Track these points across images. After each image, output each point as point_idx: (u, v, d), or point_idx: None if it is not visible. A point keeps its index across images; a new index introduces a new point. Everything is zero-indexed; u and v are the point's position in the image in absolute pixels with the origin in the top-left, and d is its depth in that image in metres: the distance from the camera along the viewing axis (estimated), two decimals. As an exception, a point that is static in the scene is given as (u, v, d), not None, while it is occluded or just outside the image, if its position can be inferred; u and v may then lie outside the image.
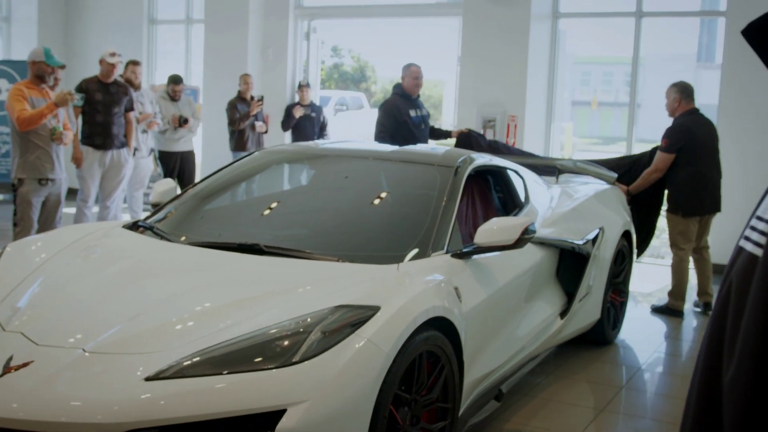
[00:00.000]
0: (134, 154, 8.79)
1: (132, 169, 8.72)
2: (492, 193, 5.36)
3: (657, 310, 7.11)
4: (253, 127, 10.19)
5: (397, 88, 8.14)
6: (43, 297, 3.55)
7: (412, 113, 8.06)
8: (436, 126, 8.70)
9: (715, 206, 6.93)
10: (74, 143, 8.10)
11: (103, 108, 8.16)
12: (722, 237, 8.07)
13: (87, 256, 4.01)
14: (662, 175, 6.84)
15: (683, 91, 6.86)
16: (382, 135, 7.90)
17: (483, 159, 4.97)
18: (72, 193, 9.05)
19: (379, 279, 3.53)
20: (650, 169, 6.87)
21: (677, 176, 6.78)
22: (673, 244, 6.97)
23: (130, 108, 8.42)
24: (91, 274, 3.77)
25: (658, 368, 5.65)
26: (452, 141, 8.41)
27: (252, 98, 10.22)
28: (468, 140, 8.00)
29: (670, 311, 7.02)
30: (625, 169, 7.15)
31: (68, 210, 9.22)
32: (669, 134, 6.80)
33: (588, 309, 5.50)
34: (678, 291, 7.01)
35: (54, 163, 7.16)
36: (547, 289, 5.05)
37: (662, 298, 7.88)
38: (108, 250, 4.12)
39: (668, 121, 6.99)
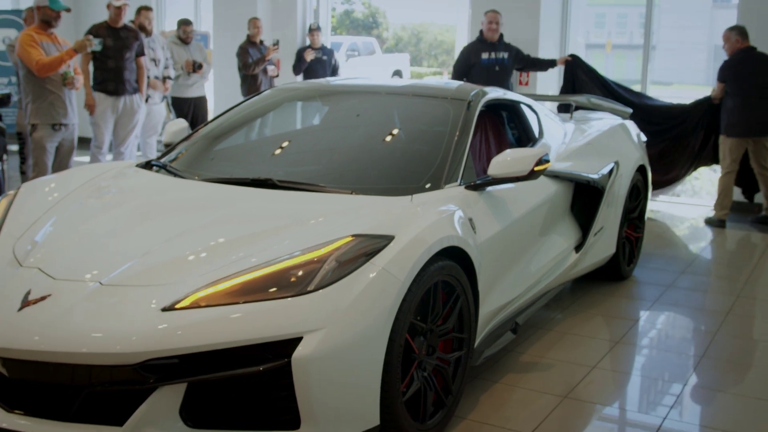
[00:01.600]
0: (147, 101, 8.77)
1: (145, 116, 8.70)
2: (505, 128, 5.32)
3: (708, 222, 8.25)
4: (265, 71, 10.14)
5: (480, 33, 9.08)
6: (59, 234, 3.56)
7: (484, 56, 8.91)
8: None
9: (763, 130, 7.96)
10: (86, 90, 8.10)
11: (114, 53, 8.12)
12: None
13: (101, 195, 4.01)
14: (718, 96, 8.18)
15: (741, 33, 8.10)
16: (453, 76, 9.11)
17: (496, 93, 4.92)
18: (85, 141, 9.06)
19: (392, 210, 3.52)
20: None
21: (726, 103, 8.09)
22: (722, 160, 8.17)
23: (140, 53, 8.38)
24: (106, 211, 3.77)
25: (674, 302, 5.65)
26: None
27: (261, 42, 10.16)
28: (573, 68, 8.95)
29: (716, 221, 8.13)
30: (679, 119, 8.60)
31: (83, 159, 9.25)
32: (720, 67, 8.20)
33: (603, 244, 5.49)
34: (720, 201, 8.14)
35: (67, 107, 7.20)
36: (562, 223, 5.03)
37: (677, 237, 7.89)
38: (122, 188, 4.12)
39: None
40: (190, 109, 9.78)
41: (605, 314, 5.33)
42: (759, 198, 8.41)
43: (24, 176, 7.30)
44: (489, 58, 8.87)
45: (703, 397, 4.14)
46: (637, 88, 9.92)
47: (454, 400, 3.59)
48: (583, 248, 5.15)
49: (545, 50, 9.95)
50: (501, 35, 9.04)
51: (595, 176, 5.16)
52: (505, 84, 8.78)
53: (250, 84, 10.02)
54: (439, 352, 3.49)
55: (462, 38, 12.68)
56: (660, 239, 7.68)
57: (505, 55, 8.94)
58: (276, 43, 10.02)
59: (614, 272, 5.91)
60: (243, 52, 10.03)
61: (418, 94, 4.78)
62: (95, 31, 8.09)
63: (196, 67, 9.53)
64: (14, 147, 10.98)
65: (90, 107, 8.16)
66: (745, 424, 3.83)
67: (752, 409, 3.97)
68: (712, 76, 8.87)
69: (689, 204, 9.55)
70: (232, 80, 10.60)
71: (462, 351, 3.63)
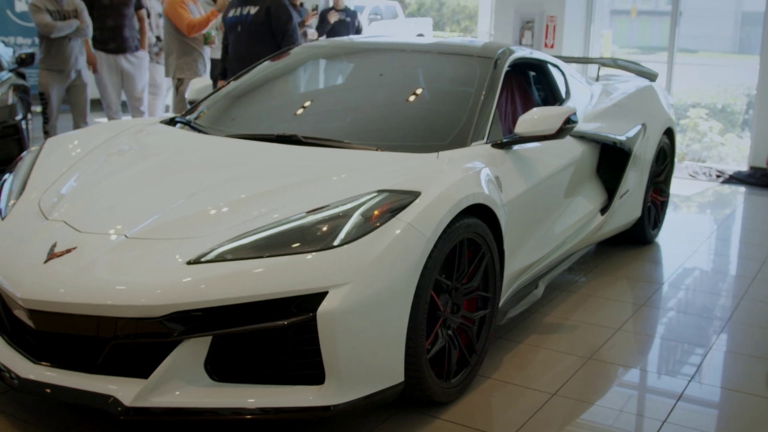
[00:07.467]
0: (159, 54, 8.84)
1: (148, 70, 8.64)
2: (532, 89, 5.26)
3: None
4: (305, 35, 10.09)
5: None
6: (84, 188, 3.55)
7: (231, 12, 6.83)
8: None
9: None
10: (86, 48, 7.97)
11: (113, 11, 8.02)
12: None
13: (125, 150, 4.00)
14: None
15: None
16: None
17: (523, 51, 4.85)
18: (97, 105, 8.99)
19: (419, 166, 3.48)
20: None
21: None
22: None
23: (139, 6, 8.30)
24: (130, 166, 3.76)
25: (699, 266, 5.60)
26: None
27: (302, 4, 10.12)
28: None
29: None
30: None
31: (100, 120, 9.23)
32: None
33: (629, 207, 5.43)
34: None
35: (206, 64, 7.85)
36: (587, 185, 4.98)
37: (702, 203, 7.80)
38: (146, 144, 4.11)
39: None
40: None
41: (630, 277, 5.29)
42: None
43: (47, 136, 7.29)
44: (233, 15, 6.81)
45: (727, 361, 4.10)
46: (663, 54, 9.79)
47: (478, 359, 3.58)
48: (609, 211, 5.10)
49: (571, 15, 9.83)
50: None
51: (621, 138, 5.10)
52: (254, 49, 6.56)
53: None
54: (464, 311, 3.47)
55: (485, 3, 12.51)
56: (684, 207, 7.61)
57: (252, 10, 6.63)
58: (315, 9, 10.02)
59: (639, 236, 5.86)
60: (282, 14, 9.96)
61: (444, 52, 4.73)
62: None
63: None
64: (37, 108, 11.03)
65: (92, 65, 8.08)
66: (771, 387, 3.81)
67: (779, 373, 3.94)
68: (740, 43, 8.62)
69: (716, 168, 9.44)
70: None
71: (487, 310, 3.61)
